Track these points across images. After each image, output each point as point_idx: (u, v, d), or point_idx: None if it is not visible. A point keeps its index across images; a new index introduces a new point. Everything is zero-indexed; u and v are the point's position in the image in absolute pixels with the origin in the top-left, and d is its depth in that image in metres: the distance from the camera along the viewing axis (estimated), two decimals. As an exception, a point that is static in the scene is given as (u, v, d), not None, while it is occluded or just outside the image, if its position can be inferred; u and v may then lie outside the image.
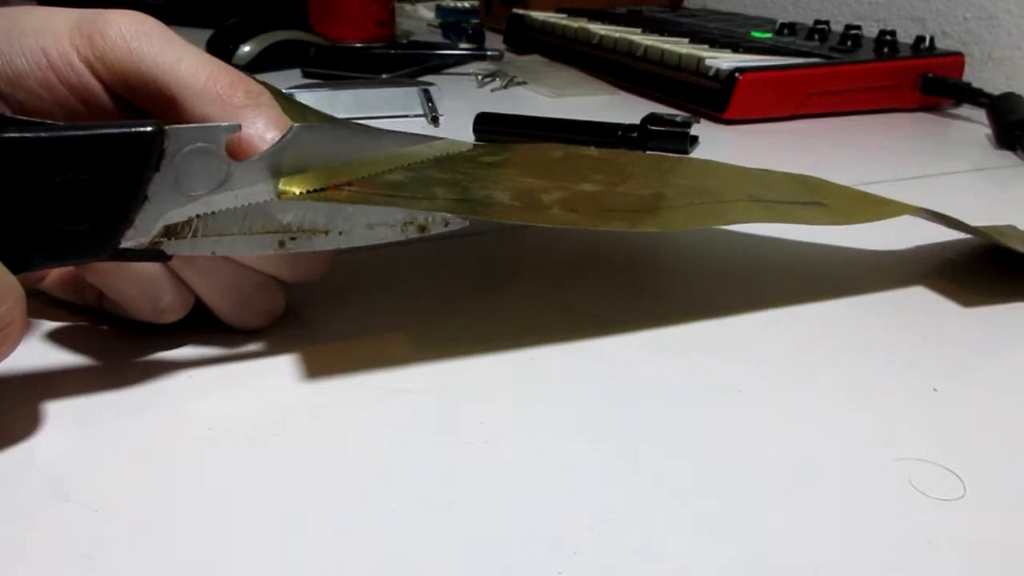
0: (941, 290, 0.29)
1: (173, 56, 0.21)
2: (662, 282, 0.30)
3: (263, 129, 0.21)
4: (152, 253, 0.20)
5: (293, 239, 0.21)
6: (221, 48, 0.66)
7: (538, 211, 0.22)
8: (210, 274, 0.23)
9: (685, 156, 0.26)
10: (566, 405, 0.22)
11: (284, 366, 0.23)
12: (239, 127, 0.20)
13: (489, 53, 0.70)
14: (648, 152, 0.23)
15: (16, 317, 0.18)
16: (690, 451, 0.20)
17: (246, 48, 0.66)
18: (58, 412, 0.21)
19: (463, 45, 0.78)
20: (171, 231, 0.20)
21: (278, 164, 0.20)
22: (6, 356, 0.18)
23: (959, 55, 0.60)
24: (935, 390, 0.23)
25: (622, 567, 0.16)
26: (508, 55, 0.73)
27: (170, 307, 0.23)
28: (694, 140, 0.48)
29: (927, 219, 0.29)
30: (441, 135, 0.24)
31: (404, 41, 0.83)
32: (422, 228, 0.22)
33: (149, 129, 0.19)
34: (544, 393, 0.22)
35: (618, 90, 0.62)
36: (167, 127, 0.19)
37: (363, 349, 0.24)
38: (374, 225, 0.22)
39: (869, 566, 0.16)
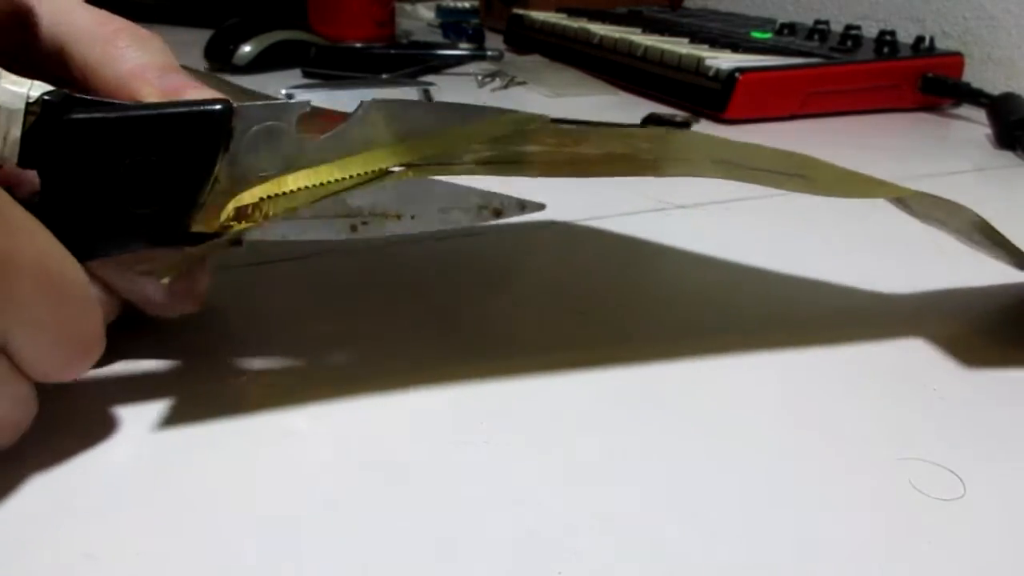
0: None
1: (67, 6, 0.21)
2: (661, 289, 0.30)
3: (142, 66, 0.21)
4: (222, 237, 0.20)
5: (365, 223, 0.21)
6: (221, 48, 0.66)
7: (452, 165, 0.21)
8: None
9: (668, 130, 0.25)
10: (566, 405, 0.22)
11: (281, 367, 0.23)
12: (308, 104, 0.19)
13: (489, 53, 0.70)
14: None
15: (97, 332, 0.18)
16: (690, 451, 0.20)
17: (246, 48, 0.66)
18: (57, 412, 0.21)
19: (463, 45, 0.78)
20: (241, 214, 0.19)
21: (348, 142, 0.20)
22: (85, 372, 0.18)
23: (959, 55, 0.60)
24: (935, 390, 0.23)
25: (622, 567, 0.16)
26: (508, 55, 0.73)
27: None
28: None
29: (935, 215, 0.26)
30: None
31: (404, 41, 0.83)
32: (497, 212, 0.22)
33: (218, 107, 0.18)
34: (545, 393, 0.22)
35: (618, 90, 0.62)
36: (236, 105, 0.19)
37: (359, 349, 0.24)
38: (447, 209, 0.21)
39: (869, 566, 0.16)
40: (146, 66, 0.21)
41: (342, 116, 0.20)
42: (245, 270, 0.29)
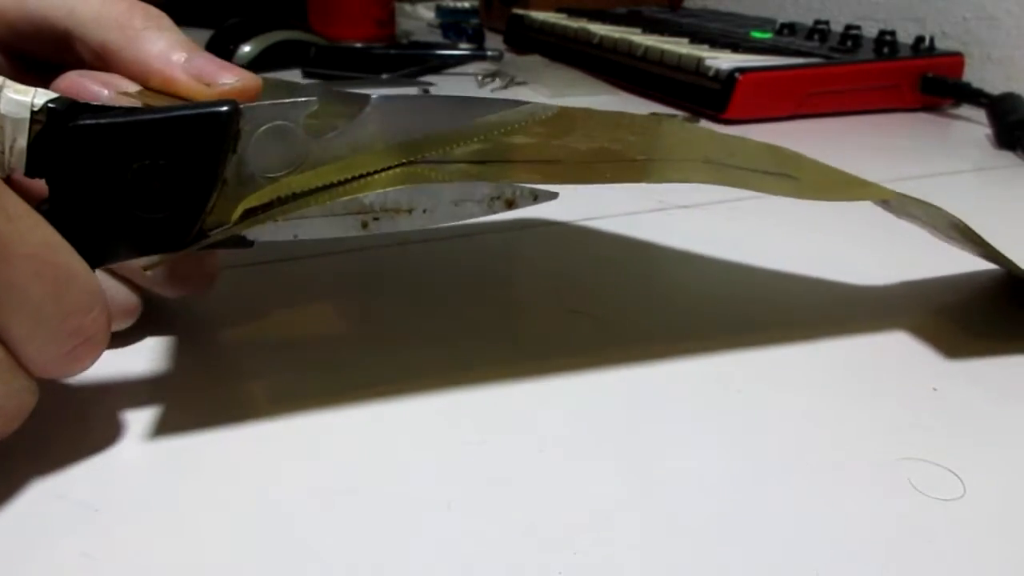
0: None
1: None
2: (660, 289, 0.30)
3: (167, 49, 0.20)
4: (233, 240, 0.19)
5: (376, 219, 0.20)
6: (221, 48, 0.66)
7: (445, 164, 0.21)
8: None
9: (656, 116, 0.24)
10: (565, 404, 0.22)
11: (281, 369, 0.23)
12: (316, 102, 0.19)
13: (489, 53, 0.70)
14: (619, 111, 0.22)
15: (101, 329, 0.17)
16: (690, 450, 0.20)
17: (246, 48, 0.66)
18: (57, 412, 0.21)
19: (463, 45, 0.78)
20: (251, 215, 0.19)
21: (357, 140, 0.20)
22: (86, 368, 0.18)
23: (959, 55, 0.60)
24: (935, 390, 0.23)
25: (622, 566, 0.16)
26: (508, 55, 0.73)
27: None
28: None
29: (913, 213, 0.28)
30: None
31: (404, 41, 0.83)
32: (509, 203, 0.21)
33: (224, 108, 0.18)
34: (543, 392, 0.22)
35: (618, 90, 0.62)
36: (242, 105, 0.19)
37: (358, 349, 0.24)
38: (459, 202, 0.21)
39: (869, 566, 0.16)
40: (173, 46, 0.20)
41: (349, 107, 0.20)
42: (245, 270, 0.29)
